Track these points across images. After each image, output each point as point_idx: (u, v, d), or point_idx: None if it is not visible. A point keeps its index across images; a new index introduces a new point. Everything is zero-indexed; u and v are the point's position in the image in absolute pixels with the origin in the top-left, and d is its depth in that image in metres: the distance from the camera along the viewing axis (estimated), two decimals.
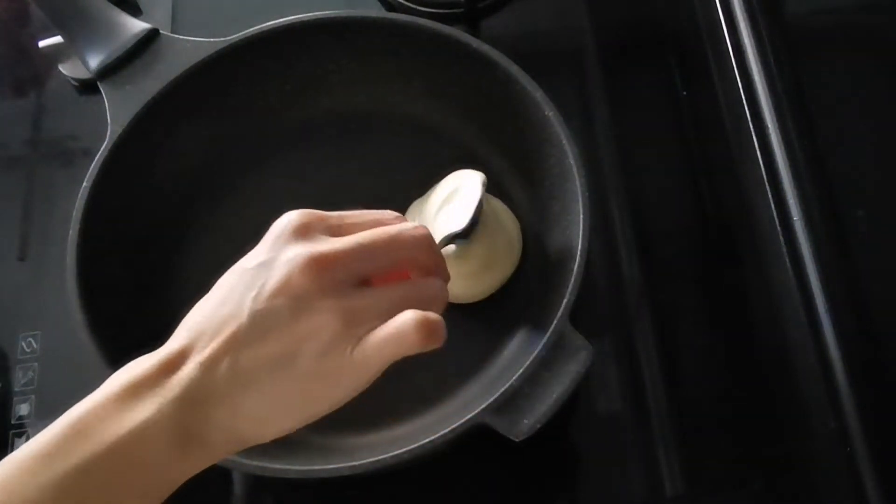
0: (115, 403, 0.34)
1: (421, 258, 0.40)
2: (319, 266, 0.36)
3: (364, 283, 0.37)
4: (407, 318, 0.36)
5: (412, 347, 0.36)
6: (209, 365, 0.34)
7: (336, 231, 0.38)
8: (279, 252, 0.36)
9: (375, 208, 0.58)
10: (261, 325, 0.35)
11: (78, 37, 0.57)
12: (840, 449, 0.52)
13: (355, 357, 0.35)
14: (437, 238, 0.52)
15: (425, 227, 0.40)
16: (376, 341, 0.36)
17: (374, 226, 0.39)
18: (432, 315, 0.36)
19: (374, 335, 0.36)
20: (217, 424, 0.34)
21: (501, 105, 0.57)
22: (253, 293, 0.35)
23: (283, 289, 0.35)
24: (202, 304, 0.37)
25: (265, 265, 0.36)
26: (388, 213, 0.41)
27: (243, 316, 0.35)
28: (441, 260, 0.41)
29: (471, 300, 0.57)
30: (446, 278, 0.41)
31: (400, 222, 0.40)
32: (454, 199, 0.55)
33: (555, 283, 0.52)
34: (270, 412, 0.35)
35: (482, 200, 0.53)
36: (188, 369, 0.34)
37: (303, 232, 0.37)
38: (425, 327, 0.36)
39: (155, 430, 0.33)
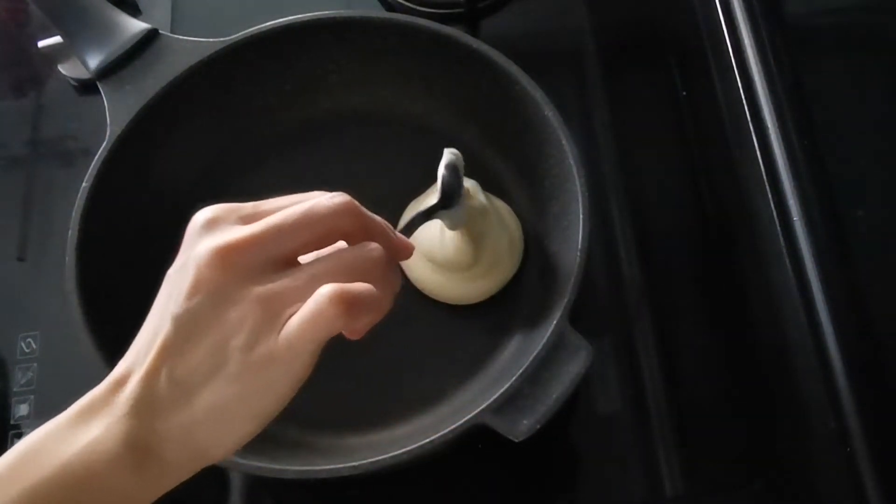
0: (66, 428, 0.33)
1: (344, 225, 0.36)
2: (228, 255, 0.34)
3: (292, 264, 0.35)
4: (321, 292, 0.33)
5: (333, 324, 0.33)
6: (148, 380, 0.33)
7: (249, 219, 0.36)
8: (191, 251, 0.35)
9: (375, 208, 0.58)
10: (185, 330, 0.34)
11: (77, 37, 0.57)
12: (840, 449, 0.52)
13: (281, 344, 0.33)
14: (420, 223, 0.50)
15: (345, 194, 0.37)
16: (295, 323, 0.33)
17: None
18: (351, 286, 0.33)
19: (294, 317, 0.33)
20: (169, 438, 0.33)
21: (501, 105, 0.57)
22: (172, 299, 0.34)
23: (197, 287, 0.34)
24: (144, 322, 0.36)
25: (181, 269, 0.35)
26: (311, 193, 0.38)
27: (167, 324, 0.34)
28: (372, 222, 0.38)
29: (473, 301, 0.57)
30: (385, 241, 0.38)
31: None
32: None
33: (554, 283, 0.52)
34: (220, 419, 0.34)
35: (454, 166, 0.50)
36: (131, 387, 0.33)
37: (211, 225, 0.35)
38: (341, 300, 0.32)
39: (104, 447, 0.33)
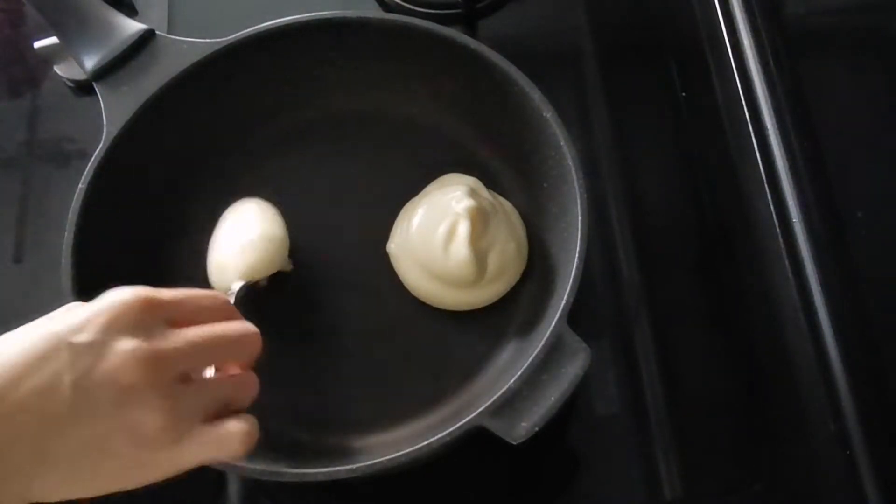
0: None
1: (242, 358, 0.41)
2: (153, 363, 0.36)
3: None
4: (236, 429, 0.38)
5: (232, 456, 0.38)
6: (10, 441, 0.33)
7: (173, 323, 0.38)
8: (112, 338, 0.35)
9: (372, 209, 0.59)
10: (77, 410, 0.34)
11: (73, 38, 0.57)
12: (840, 451, 0.52)
13: (173, 452, 0.36)
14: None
15: (249, 326, 0.41)
16: (201, 441, 0.37)
17: (208, 317, 0.40)
18: (256, 429, 0.39)
19: (201, 435, 0.37)
20: (5, 495, 0.34)
21: (499, 106, 0.57)
22: (75, 375, 0.34)
23: (113, 380, 0.34)
24: (3, 350, 0.35)
25: (93, 347, 0.35)
26: (220, 299, 0.42)
27: (60, 396, 0.34)
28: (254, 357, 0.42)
29: (478, 306, 0.56)
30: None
31: (228, 315, 0.41)
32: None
33: (553, 285, 0.52)
34: (68, 485, 0.35)
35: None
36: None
37: (141, 323, 0.36)
38: (250, 442, 0.38)
39: None
